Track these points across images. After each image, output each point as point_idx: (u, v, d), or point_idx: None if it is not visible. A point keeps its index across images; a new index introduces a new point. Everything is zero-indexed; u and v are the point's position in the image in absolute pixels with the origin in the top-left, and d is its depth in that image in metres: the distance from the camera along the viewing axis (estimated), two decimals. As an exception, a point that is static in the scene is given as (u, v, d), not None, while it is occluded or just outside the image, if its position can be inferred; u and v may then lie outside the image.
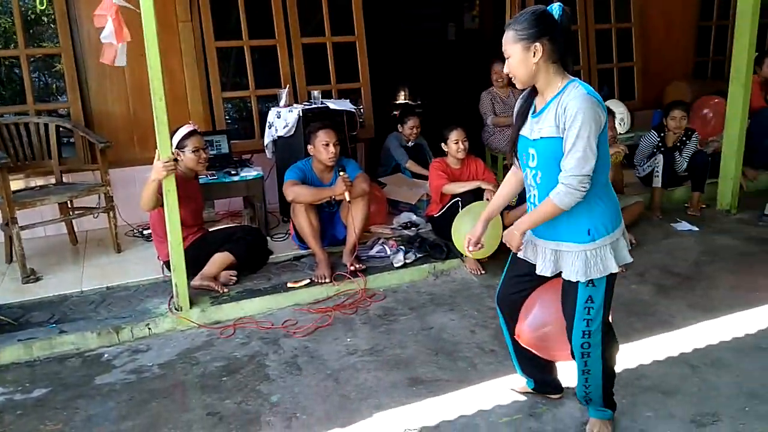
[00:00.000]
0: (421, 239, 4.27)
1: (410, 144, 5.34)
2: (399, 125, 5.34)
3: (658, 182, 4.95)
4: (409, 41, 9.42)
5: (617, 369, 2.82)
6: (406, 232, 4.53)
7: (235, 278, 3.73)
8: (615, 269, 2.12)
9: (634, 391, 2.69)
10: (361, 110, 5.39)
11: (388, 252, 4.13)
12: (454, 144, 4.13)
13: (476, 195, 3.96)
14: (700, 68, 7.18)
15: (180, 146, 3.58)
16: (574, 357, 2.26)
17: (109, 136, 4.52)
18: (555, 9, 2.01)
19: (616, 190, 4.34)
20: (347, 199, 3.77)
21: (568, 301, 2.19)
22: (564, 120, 1.97)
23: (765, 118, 5.50)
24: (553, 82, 2.04)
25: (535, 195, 2.17)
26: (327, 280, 3.77)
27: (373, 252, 4.18)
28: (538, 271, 2.21)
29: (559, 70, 2.04)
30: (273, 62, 5.27)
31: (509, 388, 2.73)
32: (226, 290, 3.63)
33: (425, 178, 4.85)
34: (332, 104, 4.64)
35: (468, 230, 3.69)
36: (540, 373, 2.59)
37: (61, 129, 4.49)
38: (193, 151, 3.60)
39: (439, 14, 10.03)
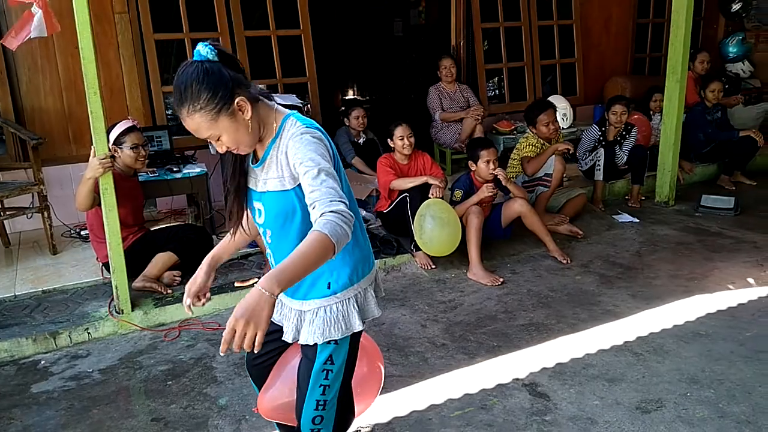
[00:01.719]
0: (371, 235, 4.24)
1: (361, 141, 5.31)
2: (345, 118, 5.30)
3: (599, 175, 5.09)
4: (355, 36, 9.37)
5: (564, 359, 2.89)
6: (355, 228, 4.48)
7: (179, 278, 3.60)
8: (359, 327, 1.72)
9: (581, 380, 2.75)
10: (309, 106, 5.31)
11: (338, 248, 4.08)
12: (399, 140, 4.12)
13: (424, 190, 3.96)
14: (638, 64, 7.42)
15: (118, 142, 3.44)
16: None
17: (42, 132, 4.32)
18: (205, 52, 1.56)
19: (556, 184, 4.55)
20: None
21: (304, 364, 1.76)
22: (290, 168, 1.60)
23: (699, 112, 5.73)
24: (268, 123, 1.65)
25: (270, 254, 1.79)
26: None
27: (322, 249, 4.11)
28: (284, 336, 1.79)
29: (265, 105, 1.66)
30: (216, 55, 5.12)
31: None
32: (170, 291, 3.51)
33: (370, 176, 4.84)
34: (278, 99, 4.52)
35: (429, 227, 3.78)
36: None
37: (-11, 125, 4.25)
38: (132, 148, 3.46)
39: (385, 10, 10.02)
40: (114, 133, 3.42)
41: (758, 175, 5.86)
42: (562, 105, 5.93)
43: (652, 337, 3.11)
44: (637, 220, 4.84)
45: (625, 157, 5.21)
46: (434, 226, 3.77)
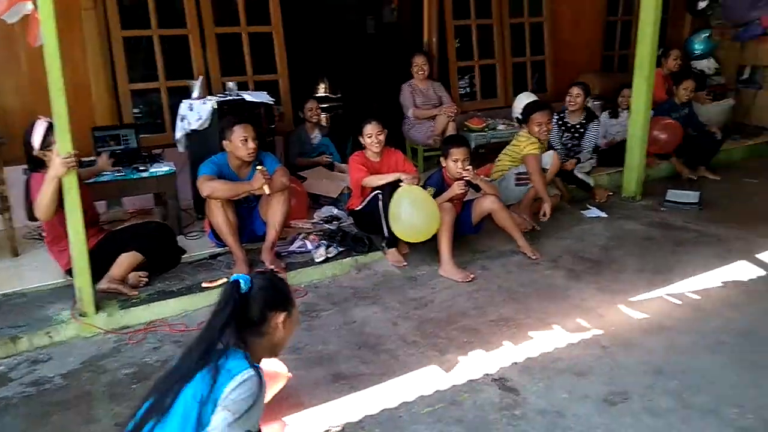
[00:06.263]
0: (343, 233, 4.23)
1: (315, 139, 5.34)
2: (299, 112, 5.32)
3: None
4: (328, 33, 9.33)
5: (533, 354, 2.92)
6: (327, 226, 4.47)
7: (145, 279, 3.54)
8: None
9: (549, 374, 2.77)
10: (280, 107, 5.29)
11: (309, 247, 4.06)
12: (369, 137, 4.11)
13: (395, 187, 3.94)
14: (608, 62, 7.52)
15: (47, 145, 3.21)
16: None
17: (4, 132, 4.20)
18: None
19: (551, 178, 4.64)
20: (267, 193, 3.67)
21: None
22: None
23: (665, 110, 5.82)
24: None
25: None
26: (246, 278, 3.65)
27: (293, 247, 4.10)
28: None
29: None
30: (185, 53, 5.06)
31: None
32: (135, 293, 3.44)
33: (303, 179, 4.85)
34: (249, 96, 4.50)
35: (407, 214, 3.76)
36: None
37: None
38: None
39: (358, 7, 10.00)
40: (38, 136, 3.24)
41: (721, 170, 5.99)
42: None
43: (619, 330, 3.15)
44: (605, 215, 4.91)
45: (588, 149, 5.30)
46: (411, 210, 3.75)
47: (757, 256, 4.02)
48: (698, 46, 7.31)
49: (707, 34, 7.29)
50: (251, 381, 1.70)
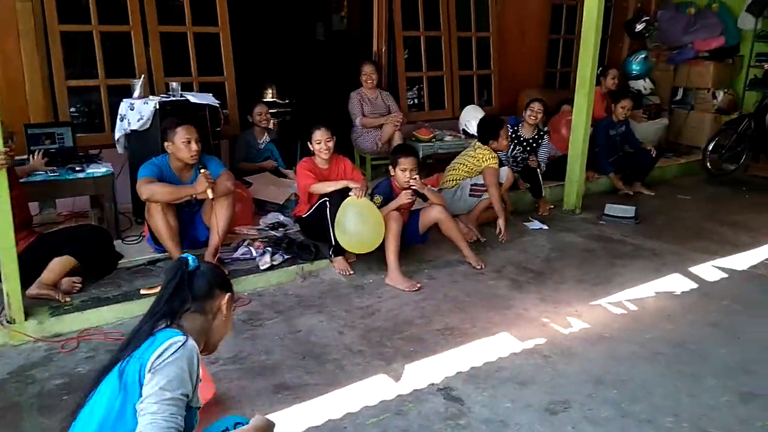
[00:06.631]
0: (289, 240, 4.16)
1: (262, 144, 5.29)
2: (248, 116, 5.26)
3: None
4: (277, 38, 9.23)
5: (478, 363, 2.94)
6: (273, 232, 4.39)
7: (79, 285, 3.38)
8: None
9: (494, 383, 2.80)
10: (225, 110, 5.18)
11: (254, 253, 3.97)
12: (318, 144, 4.07)
13: (344, 195, 3.93)
14: (550, 78, 7.76)
15: None
16: None
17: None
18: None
19: (506, 189, 4.82)
20: (210, 197, 3.57)
21: None
22: None
23: (604, 127, 6.03)
24: None
25: None
26: (186, 285, 3.54)
27: (237, 254, 4.00)
28: None
29: None
30: (127, 50, 4.89)
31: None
32: (68, 299, 3.28)
33: (248, 184, 4.79)
34: (193, 97, 4.38)
35: (353, 226, 3.75)
36: None
37: None
38: None
39: (307, 13, 9.94)
40: None
41: (656, 186, 6.27)
42: (479, 115, 6.07)
43: (560, 339, 3.22)
44: (547, 227, 5.04)
45: (542, 163, 5.45)
46: (357, 222, 3.75)
47: (690, 269, 4.20)
48: (635, 67, 7.63)
49: (644, 56, 7.62)
50: (180, 343, 1.58)
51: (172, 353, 1.56)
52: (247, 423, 1.75)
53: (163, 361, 1.54)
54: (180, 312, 1.73)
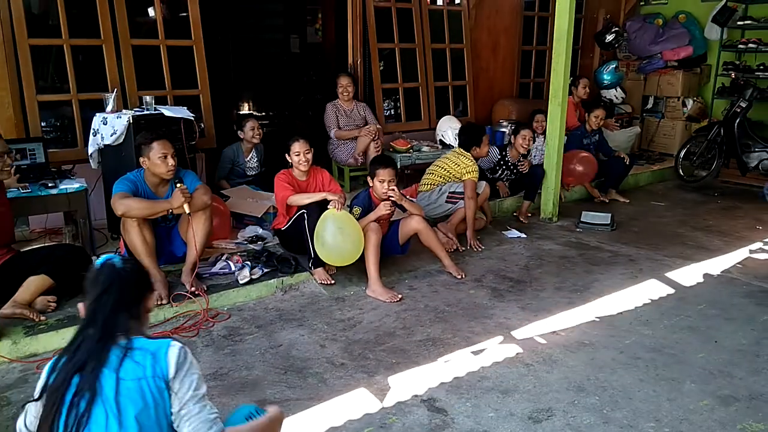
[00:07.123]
0: (268, 253, 4.13)
1: (249, 165, 5.27)
2: (239, 131, 5.18)
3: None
4: (252, 51, 9.21)
5: (461, 373, 2.94)
6: (252, 246, 4.35)
7: (54, 304, 3.30)
8: None
9: (477, 393, 2.80)
10: (201, 124, 5.13)
11: (233, 268, 3.93)
12: (296, 156, 4.06)
13: (322, 207, 3.91)
14: (523, 89, 7.86)
15: None
16: None
17: None
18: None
19: (482, 202, 4.92)
20: (187, 212, 3.53)
21: None
22: None
23: (577, 136, 6.13)
24: None
25: None
26: (164, 302, 3.49)
27: (216, 269, 3.95)
28: None
29: None
30: (99, 64, 4.82)
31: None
32: (43, 318, 3.20)
33: (226, 198, 4.75)
34: (167, 111, 4.33)
35: (332, 239, 3.72)
36: None
37: None
38: None
39: (282, 26, 9.95)
40: None
41: (630, 193, 6.38)
42: (454, 126, 6.13)
43: (541, 347, 3.24)
44: (525, 236, 5.08)
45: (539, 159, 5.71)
46: (336, 234, 3.73)
47: (666, 274, 4.27)
48: (606, 77, 7.78)
49: (614, 66, 7.78)
50: (176, 347, 1.68)
51: (183, 359, 1.68)
52: (263, 413, 1.84)
53: (184, 369, 1.67)
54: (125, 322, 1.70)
